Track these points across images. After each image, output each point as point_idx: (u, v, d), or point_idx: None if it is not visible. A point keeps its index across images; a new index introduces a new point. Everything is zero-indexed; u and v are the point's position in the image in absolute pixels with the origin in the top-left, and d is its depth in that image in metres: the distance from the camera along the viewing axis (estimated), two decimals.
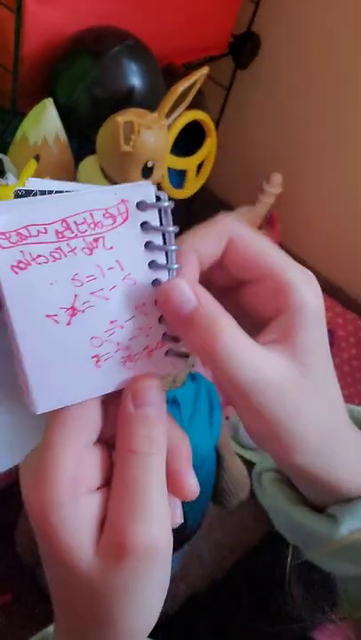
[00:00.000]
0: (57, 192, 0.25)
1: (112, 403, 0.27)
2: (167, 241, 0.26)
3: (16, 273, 0.24)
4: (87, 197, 0.25)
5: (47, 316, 0.25)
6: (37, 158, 0.72)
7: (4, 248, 0.24)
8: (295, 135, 1.28)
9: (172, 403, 0.78)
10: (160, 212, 0.26)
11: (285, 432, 0.25)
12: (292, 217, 1.33)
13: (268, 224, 1.36)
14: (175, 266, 0.27)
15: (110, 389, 0.27)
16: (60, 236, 0.24)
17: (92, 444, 0.26)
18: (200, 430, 0.79)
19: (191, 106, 0.83)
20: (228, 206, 1.37)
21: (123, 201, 0.25)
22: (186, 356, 0.28)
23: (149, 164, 0.74)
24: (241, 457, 0.91)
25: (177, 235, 0.27)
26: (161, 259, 0.27)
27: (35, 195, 0.25)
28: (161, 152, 0.75)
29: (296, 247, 1.36)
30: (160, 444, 0.25)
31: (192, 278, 0.26)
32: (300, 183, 1.30)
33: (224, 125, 1.24)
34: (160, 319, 0.27)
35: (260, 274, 0.27)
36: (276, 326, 0.26)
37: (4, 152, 0.80)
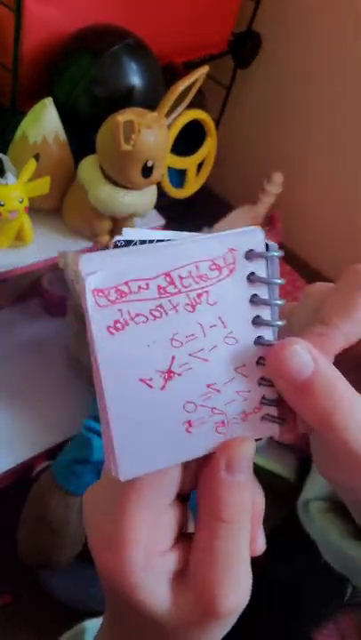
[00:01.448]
0: (158, 241, 0.23)
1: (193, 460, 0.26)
2: (272, 294, 0.24)
3: (112, 334, 0.22)
4: (193, 247, 0.23)
5: (141, 380, 0.23)
6: (37, 157, 0.72)
7: (101, 307, 0.22)
8: (295, 135, 1.28)
9: None
10: (267, 261, 0.24)
11: None
12: (292, 217, 1.33)
13: (268, 224, 1.36)
14: (279, 323, 0.24)
15: (198, 455, 0.24)
16: (163, 292, 0.22)
17: (168, 506, 0.25)
18: None
19: (191, 105, 0.83)
20: (228, 206, 1.37)
21: (230, 250, 0.23)
22: (282, 421, 0.25)
23: (149, 164, 0.74)
24: None
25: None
26: (265, 314, 0.24)
27: (135, 245, 0.23)
28: (161, 151, 0.75)
29: (296, 247, 1.36)
30: (248, 510, 0.25)
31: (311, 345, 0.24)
32: (301, 183, 1.30)
33: (224, 125, 1.24)
34: (260, 381, 0.25)
35: None
36: None
37: (4, 151, 0.80)
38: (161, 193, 0.89)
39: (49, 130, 0.76)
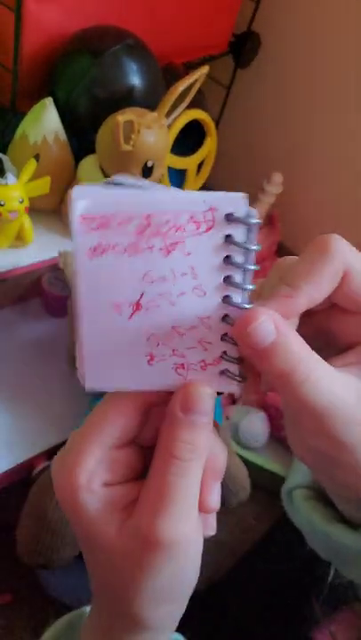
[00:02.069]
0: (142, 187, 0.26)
1: (155, 408, 0.28)
2: (247, 259, 0.26)
3: (91, 257, 0.25)
4: (176, 196, 0.25)
5: (113, 304, 0.25)
6: (37, 157, 0.72)
7: (85, 231, 0.24)
8: (295, 135, 1.28)
9: None
10: (247, 228, 0.25)
11: (355, 455, 0.26)
12: (292, 217, 1.33)
13: (268, 224, 1.36)
14: (250, 286, 0.26)
15: (158, 388, 0.27)
16: (141, 230, 0.25)
17: (122, 444, 0.27)
18: None
19: (191, 105, 0.83)
20: None
21: (211, 209, 0.25)
22: (242, 379, 0.27)
23: (149, 164, 0.74)
24: (241, 457, 0.91)
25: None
26: (238, 277, 0.26)
27: (124, 187, 0.25)
28: (161, 151, 0.75)
29: (296, 247, 1.36)
30: (201, 451, 0.26)
31: (277, 312, 0.26)
32: (300, 183, 1.30)
33: (224, 125, 1.24)
34: (223, 337, 0.27)
35: None
36: (357, 353, 0.27)
37: (4, 151, 0.80)
38: None
39: (49, 130, 0.76)
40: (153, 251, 0.25)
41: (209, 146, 1.01)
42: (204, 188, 1.09)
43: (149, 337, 0.26)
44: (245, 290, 0.26)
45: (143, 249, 0.25)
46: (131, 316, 0.26)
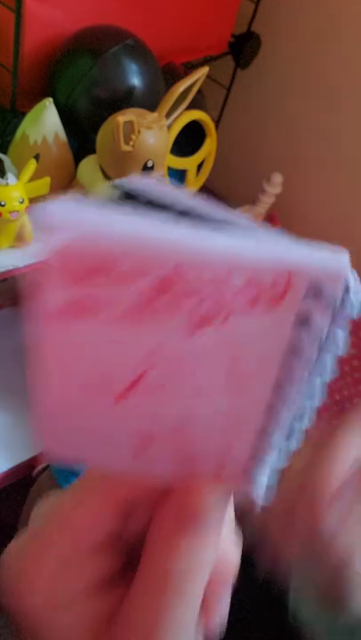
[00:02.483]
0: (175, 213, 0.15)
1: (144, 501, 0.21)
2: (323, 365, 0.16)
3: (62, 320, 0.15)
4: (229, 244, 0.15)
5: (88, 380, 0.17)
6: (37, 158, 0.72)
7: (61, 283, 0.14)
8: (295, 135, 1.28)
9: None
10: (337, 310, 0.15)
11: None
12: (292, 217, 1.33)
13: (268, 223, 1.36)
14: (311, 414, 0.17)
15: (147, 476, 0.19)
16: (160, 288, 0.15)
17: (95, 549, 0.21)
18: None
19: (191, 106, 0.83)
20: (227, 206, 1.37)
21: (288, 273, 0.15)
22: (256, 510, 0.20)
23: (149, 164, 0.74)
24: None
25: None
26: (305, 386, 0.16)
27: (140, 204, 0.15)
28: (161, 152, 0.75)
29: None
30: (205, 565, 0.20)
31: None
32: (300, 183, 1.30)
33: (224, 125, 1.24)
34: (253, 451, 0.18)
35: None
36: None
37: (4, 152, 0.80)
38: None
39: (49, 130, 0.76)
40: (171, 324, 0.15)
41: (209, 146, 1.01)
42: (204, 188, 1.09)
43: (140, 430, 0.18)
44: (313, 407, 0.17)
45: (154, 318, 0.15)
46: (118, 398, 0.17)
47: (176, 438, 0.18)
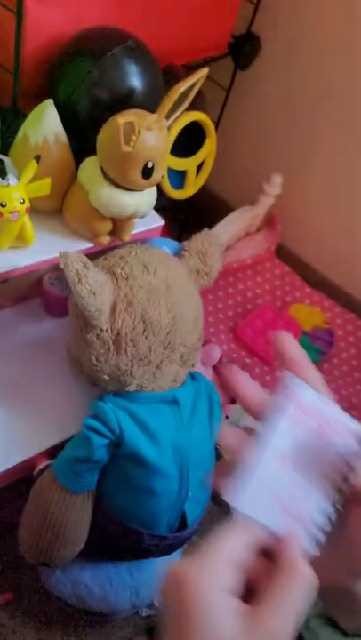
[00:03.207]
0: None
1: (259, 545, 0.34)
2: None
3: (292, 424, 0.35)
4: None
5: (282, 456, 0.34)
6: (38, 159, 0.72)
7: (294, 415, 0.35)
8: (294, 136, 1.28)
9: (172, 402, 0.79)
10: None
11: None
12: (292, 217, 1.34)
13: (268, 224, 1.37)
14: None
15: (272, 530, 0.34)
16: (320, 424, 0.35)
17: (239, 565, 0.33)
18: (200, 430, 0.80)
19: (191, 106, 0.83)
20: (227, 207, 1.37)
21: None
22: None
23: (149, 165, 0.74)
24: None
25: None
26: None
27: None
28: (161, 152, 0.75)
29: (296, 247, 1.36)
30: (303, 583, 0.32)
31: None
32: (300, 183, 1.31)
33: (224, 126, 1.25)
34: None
35: None
36: None
37: (5, 153, 0.80)
38: (161, 194, 0.89)
39: (50, 131, 0.76)
40: (325, 440, 0.34)
41: (209, 147, 1.02)
42: (204, 189, 1.09)
43: (287, 494, 0.34)
44: None
45: (318, 434, 0.34)
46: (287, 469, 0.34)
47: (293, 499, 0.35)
